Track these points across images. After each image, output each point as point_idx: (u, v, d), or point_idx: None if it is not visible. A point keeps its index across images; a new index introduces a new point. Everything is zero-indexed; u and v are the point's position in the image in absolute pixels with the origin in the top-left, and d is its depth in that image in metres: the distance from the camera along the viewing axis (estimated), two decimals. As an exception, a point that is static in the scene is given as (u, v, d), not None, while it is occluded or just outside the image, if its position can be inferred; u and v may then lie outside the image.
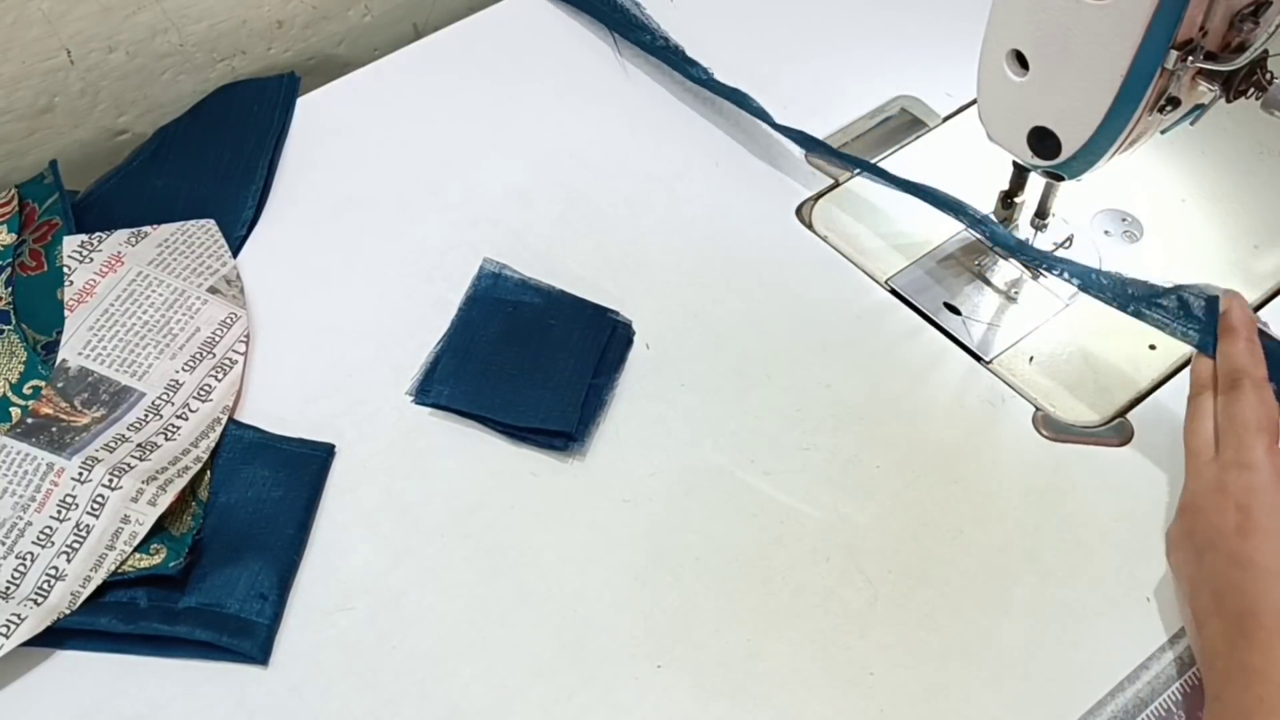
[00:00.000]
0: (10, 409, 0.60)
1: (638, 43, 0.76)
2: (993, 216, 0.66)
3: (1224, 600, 0.46)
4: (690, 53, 0.78)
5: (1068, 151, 0.55)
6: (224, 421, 0.59)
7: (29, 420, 0.58)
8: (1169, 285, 0.54)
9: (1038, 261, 0.61)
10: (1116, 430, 0.58)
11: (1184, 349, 0.61)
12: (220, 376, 0.61)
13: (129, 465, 0.55)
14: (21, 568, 0.53)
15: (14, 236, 0.66)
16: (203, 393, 0.60)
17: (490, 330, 0.62)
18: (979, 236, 0.65)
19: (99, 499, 0.54)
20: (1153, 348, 0.61)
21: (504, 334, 0.62)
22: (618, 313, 0.63)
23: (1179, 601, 0.50)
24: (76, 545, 0.53)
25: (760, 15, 0.80)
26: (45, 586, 0.52)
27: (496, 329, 0.62)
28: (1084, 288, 0.58)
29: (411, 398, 0.60)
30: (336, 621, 0.53)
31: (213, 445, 0.58)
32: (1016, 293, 0.64)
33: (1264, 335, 0.52)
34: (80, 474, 0.55)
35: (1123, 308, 0.55)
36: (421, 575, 0.55)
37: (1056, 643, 0.51)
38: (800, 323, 0.63)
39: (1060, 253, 0.65)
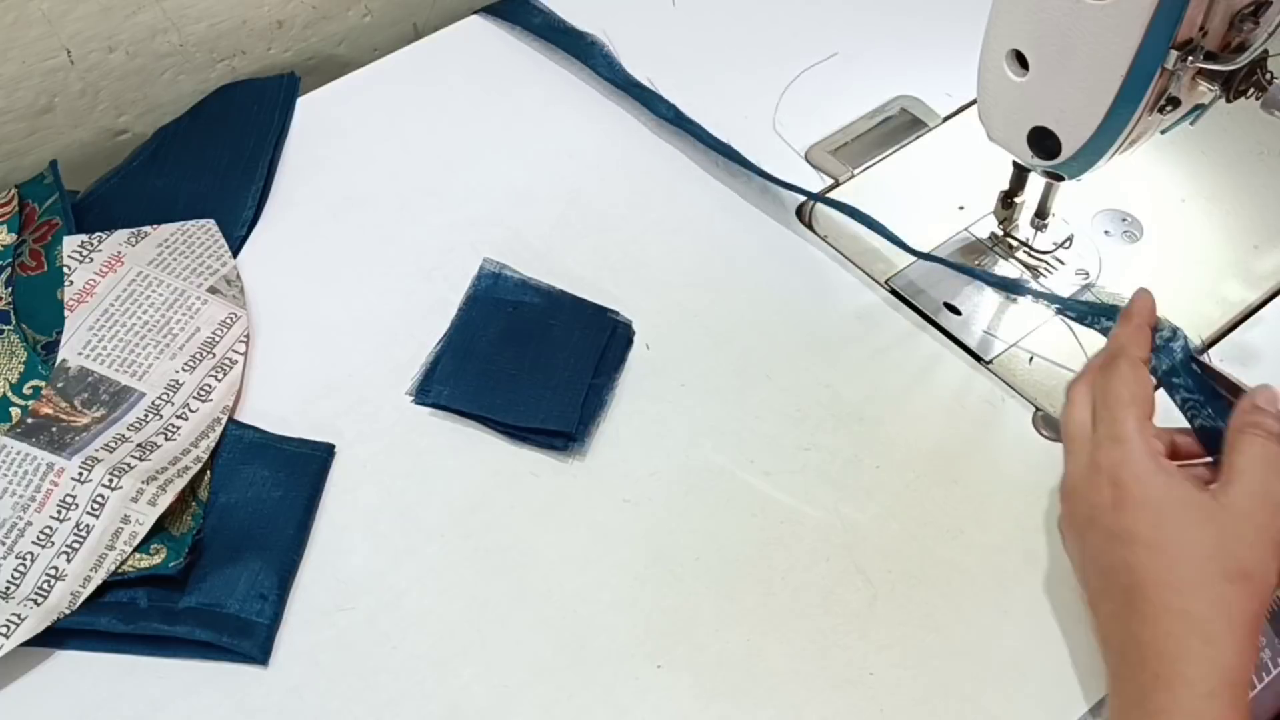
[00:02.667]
0: (10, 409, 0.60)
1: (610, 79, 0.75)
2: (996, 227, 0.66)
3: (1110, 578, 0.46)
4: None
5: (1068, 151, 0.55)
6: (224, 421, 0.59)
7: (29, 420, 0.58)
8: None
9: (1009, 288, 0.62)
10: (1116, 430, 0.58)
11: (1184, 349, 0.61)
12: (220, 376, 0.61)
13: (129, 465, 0.55)
14: (21, 568, 0.53)
15: (14, 236, 0.66)
16: (203, 393, 0.60)
17: (490, 330, 0.62)
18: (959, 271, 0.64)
19: (99, 499, 0.54)
20: (1153, 348, 0.61)
21: (504, 334, 0.62)
22: (618, 313, 0.63)
23: (1076, 586, 0.50)
24: (76, 545, 0.53)
25: (760, 15, 0.80)
26: (45, 586, 0.52)
27: (496, 329, 0.62)
28: (1064, 311, 0.58)
29: (411, 398, 0.60)
30: (336, 621, 0.53)
31: (213, 445, 0.58)
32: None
33: (1203, 366, 0.51)
34: (80, 474, 0.55)
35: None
36: (421, 575, 0.55)
37: (1056, 643, 0.51)
38: (800, 323, 0.63)
39: (1060, 253, 0.65)
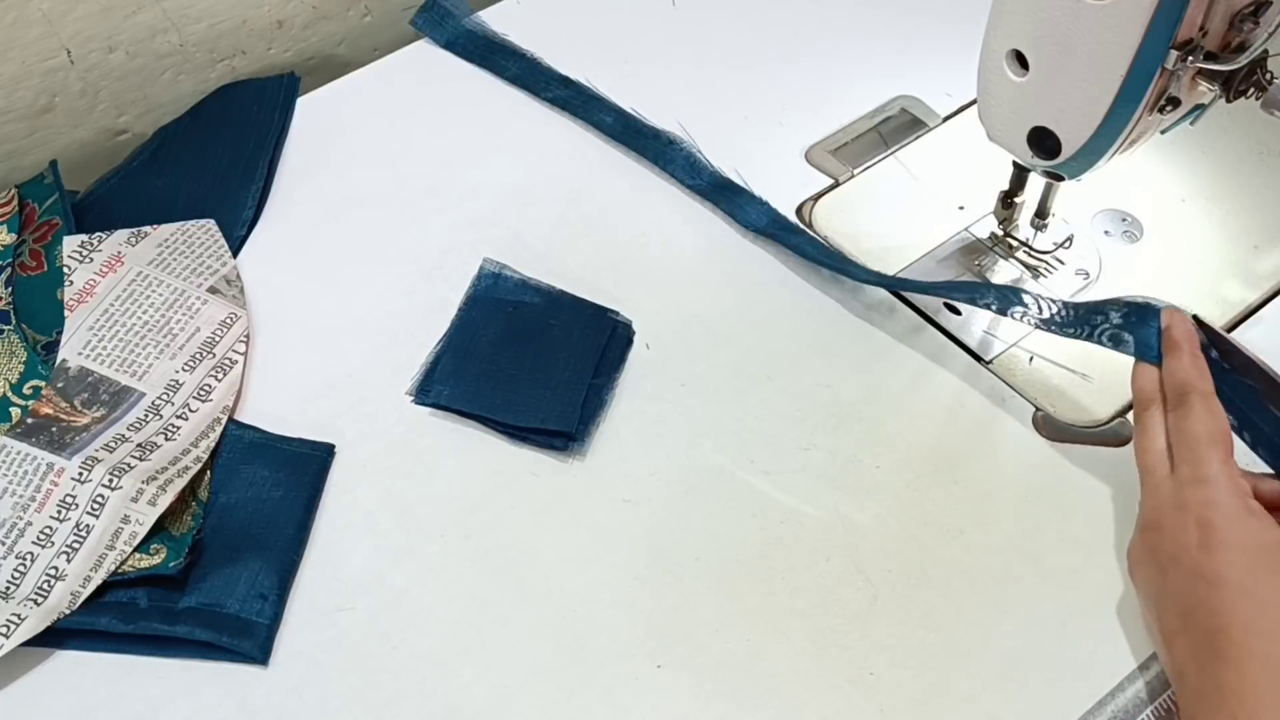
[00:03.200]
0: (10, 409, 0.60)
1: (552, 98, 0.74)
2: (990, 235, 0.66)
3: (1192, 618, 0.46)
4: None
5: (1068, 151, 0.55)
6: (224, 421, 0.59)
7: (29, 420, 0.58)
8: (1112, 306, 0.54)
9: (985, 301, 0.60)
10: (1116, 430, 0.58)
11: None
12: (220, 376, 0.61)
13: (129, 465, 0.55)
14: (21, 568, 0.53)
15: (14, 236, 0.66)
16: (203, 393, 0.60)
17: (490, 330, 0.62)
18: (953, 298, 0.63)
19: (99, 499, 0.54)
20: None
21: (504, 334, 0.62)
22: (618, 313, 0.63)
23: (1144, 619, 0.50)
24: (76, 545, 0.53)
25: (760, 15, 0.80)
26: (45, 586, 0.52)
27: (496, 329, 0.62)
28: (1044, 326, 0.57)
29: (411, 398, 0.60)
30: (336, 621, 0.53)
31: (213, 445, 0.58)
32: (1016, 293, 0.64)
33: (1225, 342, 0.51)
34: (80, 474, 0.55)
35: (1087, 338, 0.54)
36: (421, 575, 0.55)
37: (1056, 643, 0.51)
38: (800, 323, 0.63)
39: (1060, 253, 0.65)
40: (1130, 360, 0.53)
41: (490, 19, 0.81)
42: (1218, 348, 0.52)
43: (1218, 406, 0.49)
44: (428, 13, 0.79)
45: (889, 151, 0.71)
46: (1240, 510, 0.46)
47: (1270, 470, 0.51)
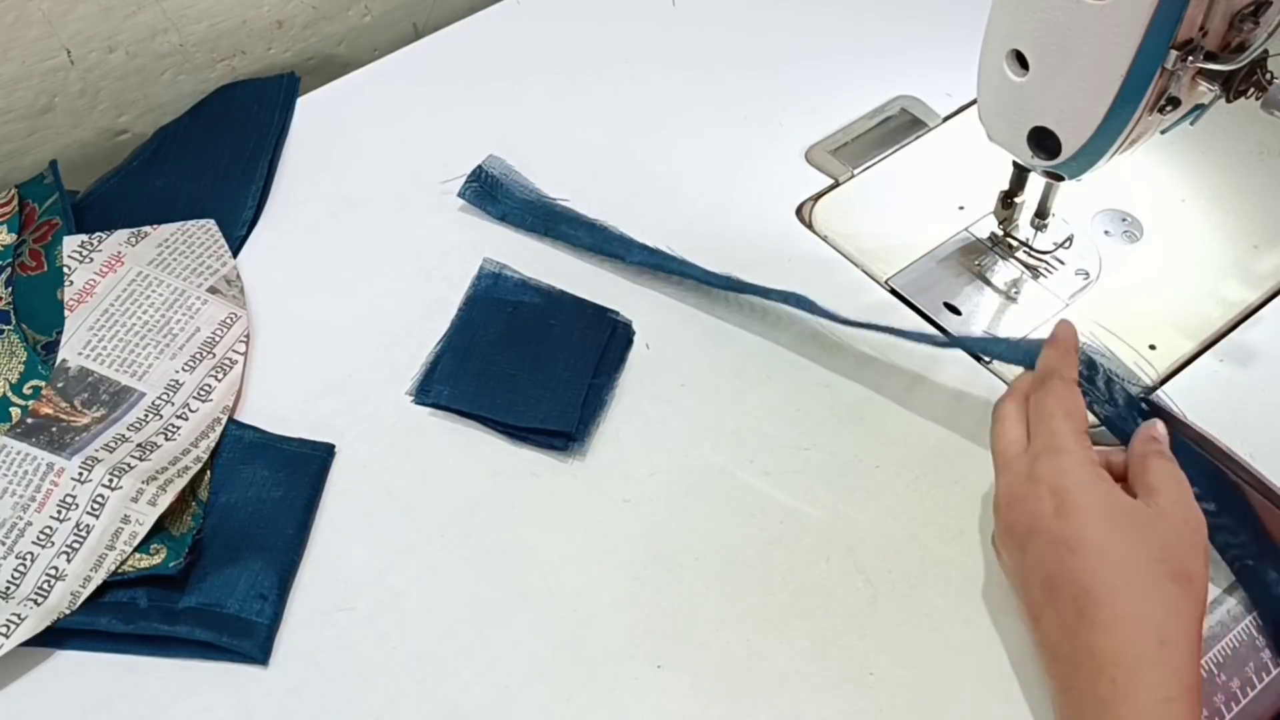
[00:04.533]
0: (10, 409, 0.60)
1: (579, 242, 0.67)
2: (997, 226, 0.66)
3: (1056, 587, 0.46)
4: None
5: (1068, 151, 0.55)
6: (224, 421, 0.59)
7: (29, 420, 0.58)
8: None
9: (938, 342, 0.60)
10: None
11: (1185, 349, 0.61)
12: (220, 376, 0.61)
13: (129, 465, 0.55)
14: (21, 568, 0.53)
15: (14, 236, 0.66)
16: (203, 393, 0.60)
17: (490, 330, 0.62)
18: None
19: (99, 499, 0.54)
20: (1153, 348, 0.61)
21: (504, 334, 0.62)
22: (618, 313, 0.63)
23: (1017, 599, 0.50)
24: (76, 545, 0.53)
25: (760, 15, 0.80)
26: (45, 586, 0.52)
27: (497, 329, 0.62)
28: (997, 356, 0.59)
29: (411, 397, 0.60)
30: (336, 621, 0.53)
31: (213, 445, 0.58)
32: (1016, 293, 0.64)
33: (1183, 426, 0.54)
34: (80, 474, 0.55)
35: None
36: (421, 575, 0.55)
37: (1056, 643, 0.51)
38: (800, 323, 0.63)
39: (1060, 253, 0.65)
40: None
41: (490, 19, 0.81)
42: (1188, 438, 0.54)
43: (1076, 390, 0.51)
44: (476, 183, 0.68)
45: (889, 151, 0.71)
46: (1092, 475, 0.47)
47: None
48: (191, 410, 0.59)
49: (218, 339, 0.62)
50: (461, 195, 0.66)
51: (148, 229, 0.66)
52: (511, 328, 0.62)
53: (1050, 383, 0.51)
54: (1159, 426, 0.51)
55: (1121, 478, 0.50)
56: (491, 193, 0.66)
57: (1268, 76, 0.52)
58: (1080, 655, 0.44)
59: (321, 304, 0.65)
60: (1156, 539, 0.46)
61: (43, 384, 0.60)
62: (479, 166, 0.67)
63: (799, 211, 0.68)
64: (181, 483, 0.56)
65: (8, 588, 0.52)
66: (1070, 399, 0.50)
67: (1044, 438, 0.49)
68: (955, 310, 0.63)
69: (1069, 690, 0.45)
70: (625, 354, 0.62)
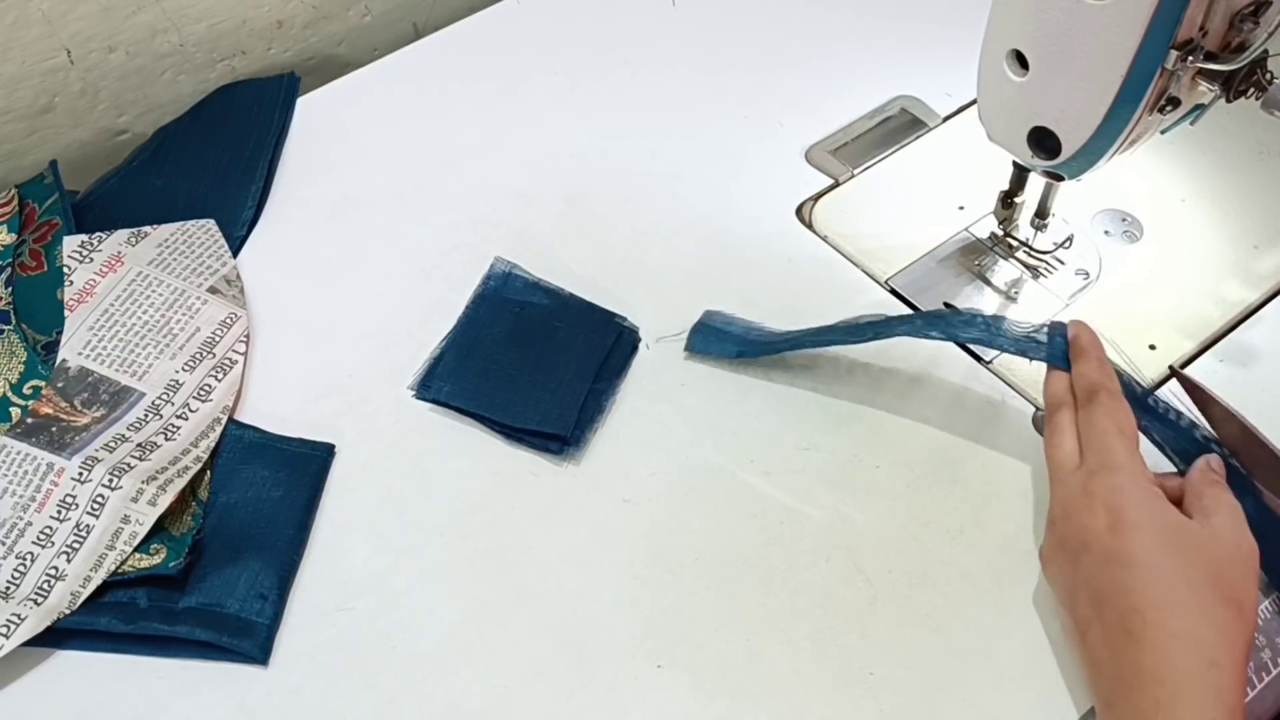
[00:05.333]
0: (10, 409, 0.60)
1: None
2: (994, 224, 0.66)
3: (1104, 603, 0.46)
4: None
5: (1068, 151, 0.55)
6: (224, 421, 0.59)
7: (29, 420, 0.58)
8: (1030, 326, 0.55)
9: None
10: (1116, 430, 0.58)
11: (1185, 349, 0.61)
12: (220, 376, 0.61)
13: (129, 465, 0.55)
14: (21, 568, 0.53)
15: (14, 236, 0.66)
16: (203, 393, 0.60)
17: (496, 329, 0.62)
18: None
19: (99, 499, 0.54)
20: (1152, 348, 0.61)
21: (509, 334, 0.62)
22: (625, 318, 0.63)
23: (1060, 615, 0.50)
24: (76, 545, 0.53)
25: (761, 15, 0.80)
26: (45, 586, 0.52)
27: (502, 328, 0.62)
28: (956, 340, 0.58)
29: (413, 392, 0.60)
30: (336, 621, 0.53)
31: (213, 445, 0.58)
32: (1016, 293, 0.64)
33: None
34: (80, 474, 0.55)
35: (994, 346, 0.55)
36: (421, 575, 0.55)
37: (1056, 643, 0.51)
38: (800, 322, 0.63)
39: (1060, 253, 0.65)
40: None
41: (490, 19, 0.81)
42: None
43: (1124, 404, 0.51)
44: (701, 333, 0.63)
45: (889, 151, 0.71)
46: (1148, 493, 0.47)
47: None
48: (191, 410, 0.59)
49: (218, 339, 0.62)
50: (689, 349, 0.62)
51: (148, 229, 0.66)
52: (517, 328, 0.62)
53: (1098, 397, 0.51)
54: (1216, 459, 0.51)
55: (1176, 501, 0.49)
56: (719, 336, 0.62)
57: (1268, 76, 0.52)
58: (1126, 672, 0.44)
59: (321, 304, 0.65)
60: (1210, 562, 0.45)
61: (43, 384, 0.60)
62: (699, 323, 0.63)
63: (799, 211, 0.68)
64: (181, 483, 0.56)
65: (8, 588, 0.52)
66: (1121, 414, 0.50)
67: (1098, 454, 0.49)
68: (955, 310, 0.63)
69: (1112, 706, 0.45)
70: (629, 360, 0.62)
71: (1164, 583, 0.45)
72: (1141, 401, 0.53)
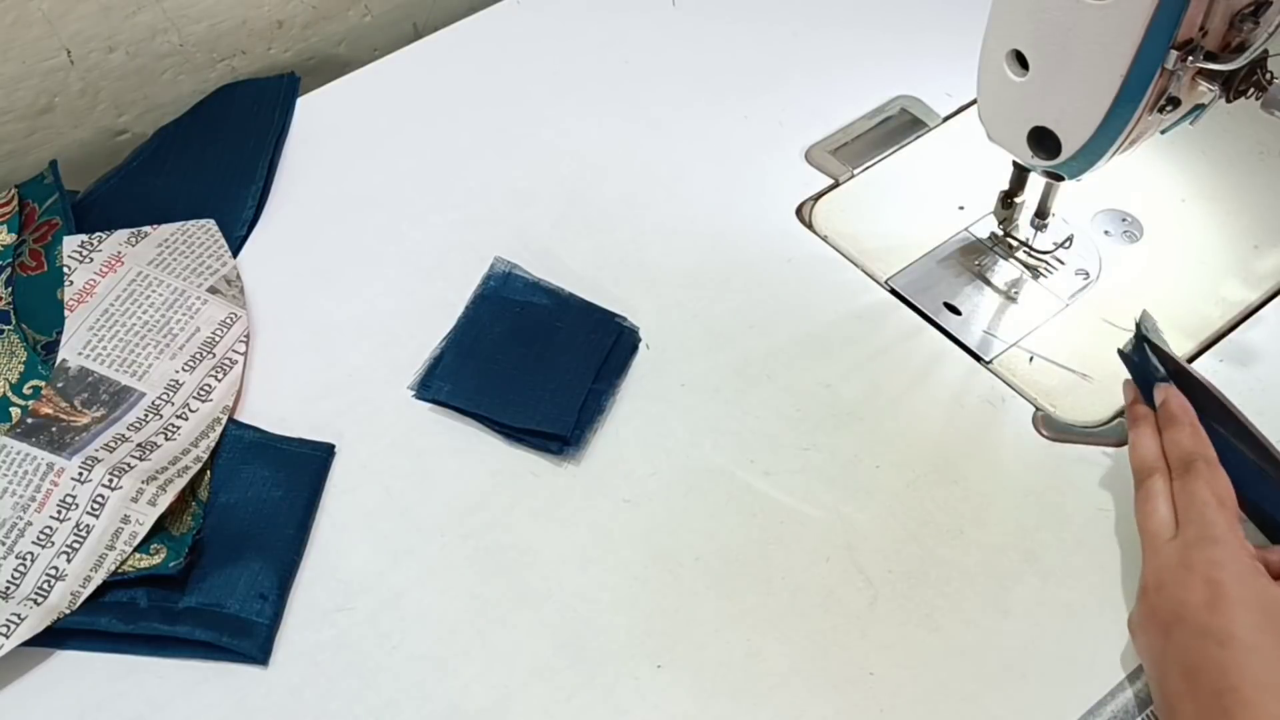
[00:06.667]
0: (10, 409, 0.60)
1: None
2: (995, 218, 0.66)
3: (1198, 678, 0.45)
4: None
5: (1068, 151, 0.55)
6: (224, 421, 0.59)
7: (29, 420, 0.58)
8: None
9: None
10: (1116, 430, 0.58)
11: (1185, 349, 0.61)
12: (220, 376, 0.61)
13: (129, 465, 0.55)
14: (21, 568, 0.53)
15: (14, 236, 0.66)
16: (203, 393, 0.60)
17: (496, 329, 0.62)
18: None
19: (99, 499, 0.54)
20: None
21: (510, 333, 0.62)
22: (625, 318, 0.63)
23: (1150, 685, 0.49)
24: (76, 545, 0.53)
25: (761, 15, 0.80)
26: (45, 586, 0.52)
27: (503, 328, 0.62)
28: None
29: (413, 392, 0.60)
30: (336, 621, 0.53)
31: (213, 445, 0.58)
32: (1016, 293, 0.64)
33: (1190, 377, 0.52)
34: (80, 474, 0.55)
35: None
36: (421, 575, 0.55)
37: (1056, 643, 0.51)
38: (800, 323, 0.63)
39: (1060, 253, 0.65)
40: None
41: (490, 19, 0.81)
42: (1169, 370, 0.53)
43: (1223, 473, 0.50)
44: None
45: (889, 151, 0.71)
46: (1249, 569, 0.46)
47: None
48: (191, 410, 0.59)
49: (218, 339, 0.62)
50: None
51: (148, 229, 0.66)
52: (518, 328, 0.62)
53: (1196, 467, 0.50)
54: None
55: (1277, 576, 0.48)
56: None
57: (1268, 76, 0.52)
58: None
59: (321, 304, 0.65)
60: None
61: (43, 384, 0.60)
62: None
63: (799, 211, 0.68)
64: (181, 483, 0.56)
65: (8, 588, 0.52)
66: (1220, 484, 0.49)
67: (1197, 526, 0.48)
68: (955, 310, 0.63)
69: None
70: (629, 361, 0.62)
71: (1264, 662, 0.44)
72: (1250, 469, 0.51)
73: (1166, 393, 0.53)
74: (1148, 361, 0.54)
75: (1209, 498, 0.49)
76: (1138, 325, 0.54)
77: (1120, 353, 0.55)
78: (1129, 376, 0.55)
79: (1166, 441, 0.52)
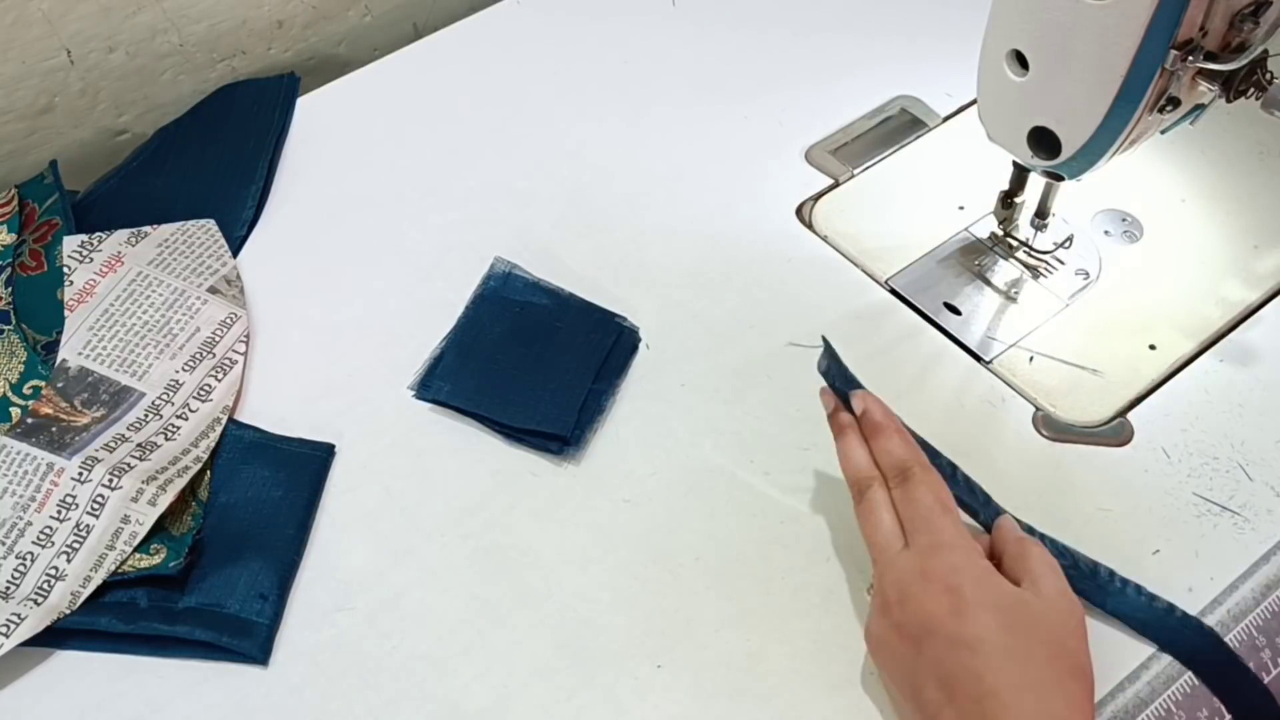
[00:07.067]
0: (10, 409, 0.60)
1: None
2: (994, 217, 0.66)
3: (955, 686, 0.44)
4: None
5: (1068, 151, 0.55)
6: (224, 421, 0.59)
7: (29, 420, 0.58)
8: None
9: None
10: (1116, 430, 0.58)
11: (1185, 349, 0.61)
12: (220, 376, 0.61)
13: (129, 465, 0.55)
14: (21, 568, 0.53)
15: (14, 236, 0.66)
16: (203, 393, 0.60)
17: (496, 329, 0.62)
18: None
19: (99, 499, 0.54)
20: (1153, 348, 0.61)
21: (510, 333, 0.62)
22: (625, 318, 0.63)
23: (899, 697, 0.48)
24: (76, 545, 0.53)
25: (760, 15, 0.80)
26: (45, 586, 0.52)
27: (503, 328, 0.62)
28: None
29: (413, 392, 0.60)
30: (336, 621, 0.53)
31: (213, 445, 0.58)
32: (1016, 293, 0.64)
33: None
34: (80, 474, 0.55)
35: None
36: (421, 575, 0.55)
37: (1056, 643, 0.51)
38: (800, 323, 0.63)
39: (1060, 253, 0.65)
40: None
41: (490, 19, 0.81)
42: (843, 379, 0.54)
43: (938, 475, 0.50)
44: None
45: (889, 151, 0.71)
46: (984, 570, 0.47)
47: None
48: (191, 410, 0.59)
49: (218, 339, 0.62)
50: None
51: (148, 229, 0.66)
52: (517, 328, 0.62)
53: (912, 472, 0.50)
54: (1010, 521, 0.51)
55: (994, 560, 0.49)
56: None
57: (1268, 76, 0.52)
58: None
59: (321, 304, 0.65)
60: (1051, 635, 0.45)
61: (43, 384, 0.60)
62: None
63: (799, 211, 0.68)
64: (181, 483, 0.56)
65: (8, 588, 0.52)
66: (939, 488, 0.49)
67: (926, 534, 0.48)
68: (955, 310, 0.63)
69: None
70: (629, 360, 0.62)
71: (1015, 664, 0.44)
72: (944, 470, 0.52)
73: (865, 400, 0.53)
74: (843, 369, 0.54)
75: (933, 503, 0.49)
76: (824, 339, 0.54)
77: (818, 367, 0.55)
78: (825, 385, 0.55)
79: (877, 450, 0.52)
